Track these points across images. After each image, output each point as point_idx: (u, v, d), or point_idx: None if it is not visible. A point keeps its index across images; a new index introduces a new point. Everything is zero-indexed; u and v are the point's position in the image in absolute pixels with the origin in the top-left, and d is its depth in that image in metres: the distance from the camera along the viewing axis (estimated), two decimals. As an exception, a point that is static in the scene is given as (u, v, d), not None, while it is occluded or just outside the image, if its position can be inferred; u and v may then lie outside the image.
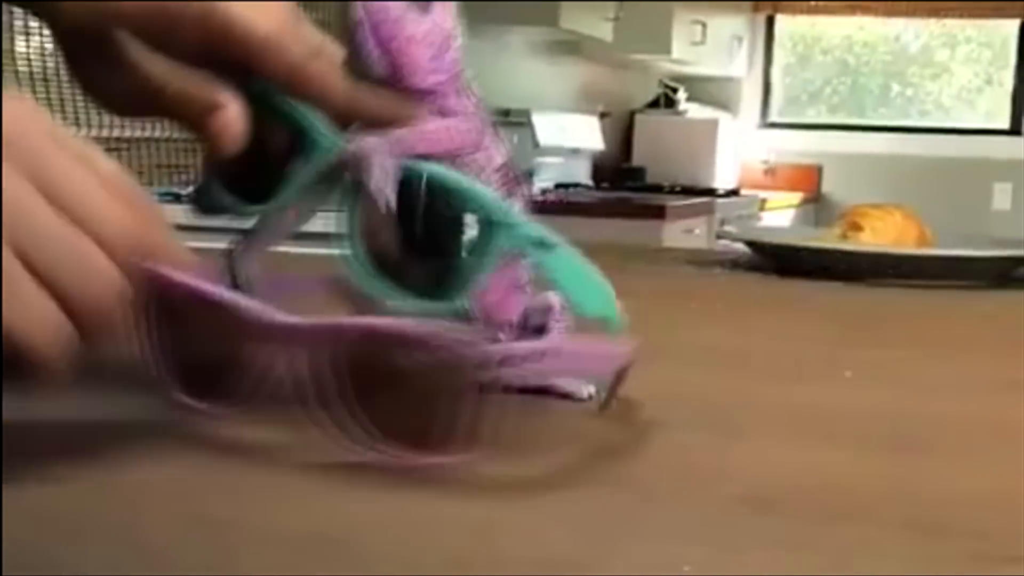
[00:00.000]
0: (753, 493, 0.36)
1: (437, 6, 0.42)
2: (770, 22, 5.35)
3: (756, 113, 5.37)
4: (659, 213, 3.28)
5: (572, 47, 3.88)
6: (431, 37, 0.42)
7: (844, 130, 5.22)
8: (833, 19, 5.29)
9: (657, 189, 4.10)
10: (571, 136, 3.92)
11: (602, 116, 4.29)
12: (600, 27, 3.58)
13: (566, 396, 0.45)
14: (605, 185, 4.12)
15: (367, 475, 0.35)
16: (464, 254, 0.41)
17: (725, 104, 5.16)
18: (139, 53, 0.45)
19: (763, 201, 4.36)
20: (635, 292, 0.46)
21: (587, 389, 0.44)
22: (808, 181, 5.09)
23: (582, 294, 0.42)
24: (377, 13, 0.41)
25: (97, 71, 0.47)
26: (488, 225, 0.40)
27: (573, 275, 0.42)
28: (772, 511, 0.34)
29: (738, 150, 4.96)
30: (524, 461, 0.39)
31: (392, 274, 0.41)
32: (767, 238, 1.06)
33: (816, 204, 5.02)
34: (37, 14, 0.48)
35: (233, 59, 0.43)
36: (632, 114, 4.72)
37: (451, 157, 0.42)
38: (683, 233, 3.40)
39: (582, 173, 4.11)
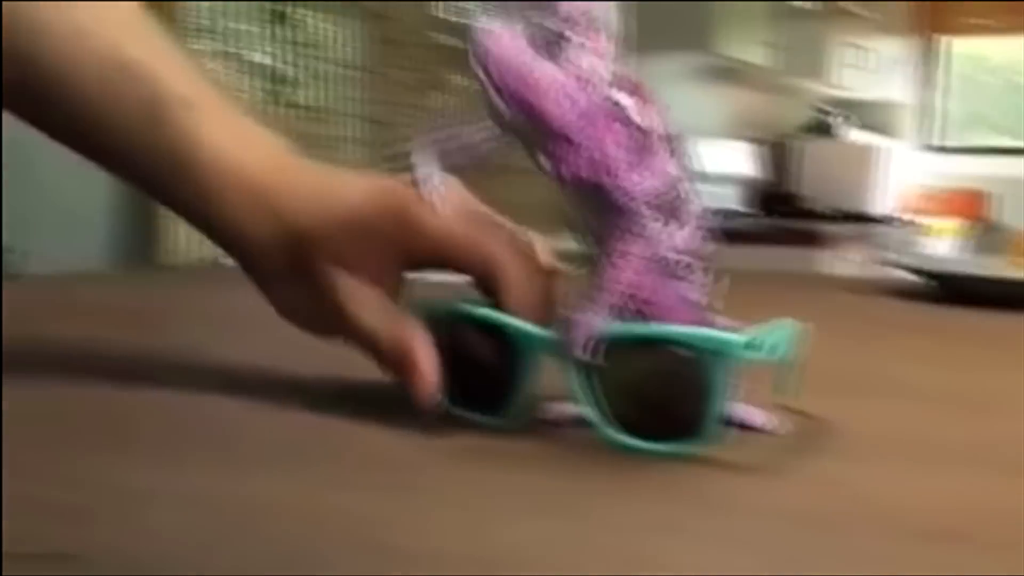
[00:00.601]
0: (938, 527, 0.35)
1: (571, 46, 0.41)
2: (932, 44, 5.20)
3: (917, 137, 5.23)
4: (816, 240, 3.22)
5: (728, 73, 3.85)
6: (560, 83, 0.40)
7: (1011, 154, 5.03)
8: (999, 40, 5.11)
9: (813, 215, 4.02)
10: (725, 162, 3.88)
11: (757, 142, 4.23)
12: (755, 52, 3.54)
13: (751, 428, 0.44)
14: (760, 212, 4.06)
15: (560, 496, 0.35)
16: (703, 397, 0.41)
17: (884, 128, 5.03)
18: (337, 280, 0.46)
19: (925, 227, 4.23)
20: (804, 322, 0.45)
21: (773, 423, 0.44)
22: (972, 206, 4.92)
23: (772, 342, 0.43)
24: (500, 73, 0.40)
25: (290, 291, 0.48)
26: (705, 360, 0.40)
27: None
28: (959, 544, 0.33)
29: (898, 175, 4.83)
30: (704, 489, 0.38)
31: (638, 429, 0.42)
32: (935, 266, 1.02)
33: (981, 230, 4.84)
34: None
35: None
36: (787, 139, 4.64)
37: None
38: (841, 260, 3.33)
39: (736, 199, 4.06)
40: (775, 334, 0.43)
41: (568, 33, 0.40)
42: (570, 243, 0.45)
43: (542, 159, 0.42)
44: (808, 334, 0.45)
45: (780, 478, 0.40)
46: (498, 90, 0.40)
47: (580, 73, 0.40)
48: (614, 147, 0.41)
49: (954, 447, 0.46)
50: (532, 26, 0.40)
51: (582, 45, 0.40)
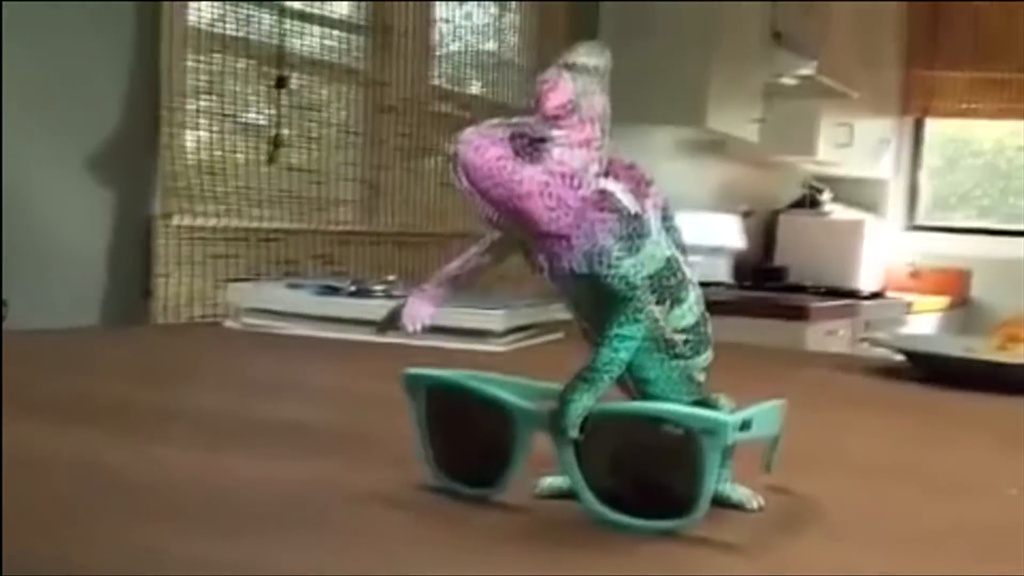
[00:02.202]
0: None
1: (555, 144, 0.41)
2: (919, 125, 5.27)
3: (902, 215, 5.28)
4: (802, 314, 3.24)
5: (717, 146, 3.89)
6: (545, 183, 0.40)
7: (994, 235, 5.08)
8: (984, 122, 5.18)
9: (800, 289, 4.04)
10: (713, 234, 3.91)
11: (745, 215, 4.27)
12: (746, 128, 3.58)
13: (735, 506, 0.45)
14: (747, 284, 4.08)
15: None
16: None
17: (871, 205, 5.08)
18: None
19: (909, 304, 4.26)
20: (788, 398, 0.46)
21: (757, 500, 0.44)
22: (955, 285, 4.95)
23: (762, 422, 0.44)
24: (482, 183, 0.40)
25: None
26: (696, 437, 0.41)
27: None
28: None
29: (883, 252, 4.87)
30: (688, 566, 0.39)
31: (629, 507, 0.42)
32: (922, 347, 1.03)
33: (964, 309, 4.87)
34: None
35: None
36: (775, 214, 4.68)
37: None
38: (826, 335, 3.35)
39: (724, 272, 4.08)
40: (765, 413, 0.44)
41: (552, 132, 0.40)
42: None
43: (539, 258, 0.42)
44: (788, 412, 0.46)
45: (761, 557, 0.41)
46: (484, 197, 0.40)
47: (565, 171, 0.40)
48: (608, 237, 0.42)
49: (923, 527, 0.46)
50: (515, 128, 0.40)
51: (567, 141, 0.40)
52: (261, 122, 2.26)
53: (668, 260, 0.44)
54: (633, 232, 0.43)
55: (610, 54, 0.43)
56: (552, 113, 0.40)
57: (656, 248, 0.43)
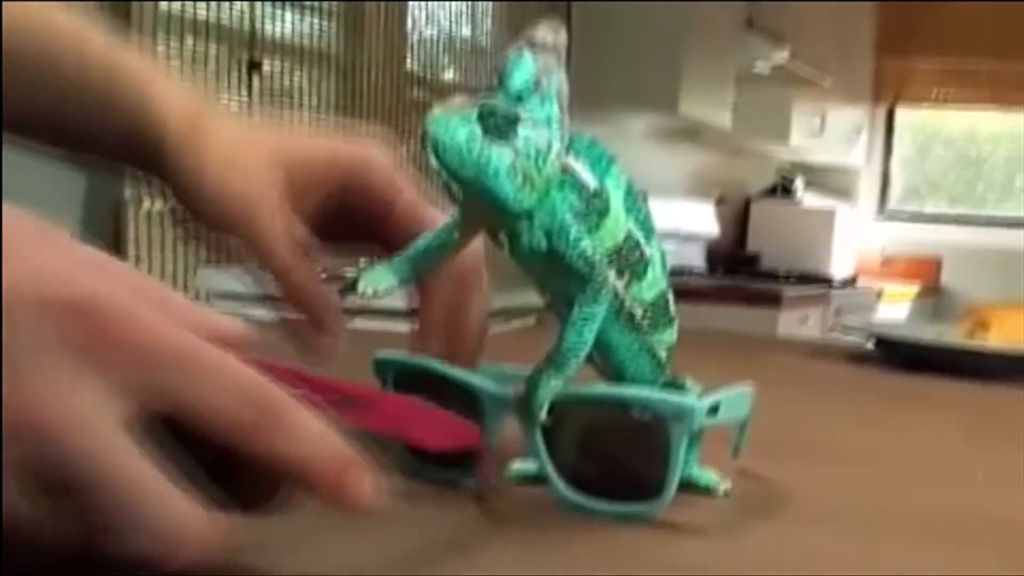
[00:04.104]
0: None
1: (522, 127, 0.40)
2: (890, 113, 5.30)
3: (874, 203, 5.30)
4: (775, 301, 3.25)
5: (690, 134, 3.90)
6: (515, 165, 0.40)
7: (965, 223, 5.11)
8: (955, 111, 5.22)
9: (772, 276, 4.06)
10: (687, 221, 3.92)
11: (718, 202, 4.28)
12: (719, 115, 3.59)
13: (703, 491, 0.45)
14: (720, 271, 4.10)
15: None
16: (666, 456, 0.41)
17: (843, 193, 5.11)
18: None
19: (880, 292, 4.28)
20: (759, 384, 0.46)
21: (724, 485, 0.44)
22: (926, 273, 4.99)
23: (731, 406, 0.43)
24: (452, 162, 0.40)
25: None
26: (665, 422, 0.41)
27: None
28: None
29: (855, 240, 4.90)
30: (650, 551, 0.39)
31: (596, 490, 0.42)
32: (893, 333, 1.04)
33: (935, 296, 4.91)
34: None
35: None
36: (748, 201, 4.70)
37: None
38: (798, 322, 3.36)
39: (697, 258, 4.09)
40: (733, 397, 0.44)
41: (518, 111, 0.40)
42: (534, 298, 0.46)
43: (500, 237, 0.42)
44: (757, 397, 0.46)
45: (727, 541, 0.41)
46: (452, 176, 0.40)
47: (530, 149, 0.40)
48: (568, 215, 0.42)
49: (889, 512, 0.46)
50: (483, 107, 0.40)
51: (532, 118, 0.41)
52: (233, 107, 2.24)
53: (628, 235, 0.44)
54: (593, 209, 0.43)
55: (580, 38, 0.43)
56: (517, 90, 0.40)
57: (616, 225, 0.43)
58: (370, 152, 0.52)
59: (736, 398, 0.44)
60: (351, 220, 0.52)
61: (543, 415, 0.42)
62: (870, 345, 1.02)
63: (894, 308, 4.37)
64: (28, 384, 0.27)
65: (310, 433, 0.30)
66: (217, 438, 0.30)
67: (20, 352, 0.28)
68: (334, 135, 0.53)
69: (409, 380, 0.46)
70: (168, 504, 0.29)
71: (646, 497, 0.41)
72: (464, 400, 0.44)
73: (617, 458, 0.42)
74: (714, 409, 0.42)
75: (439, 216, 0.50)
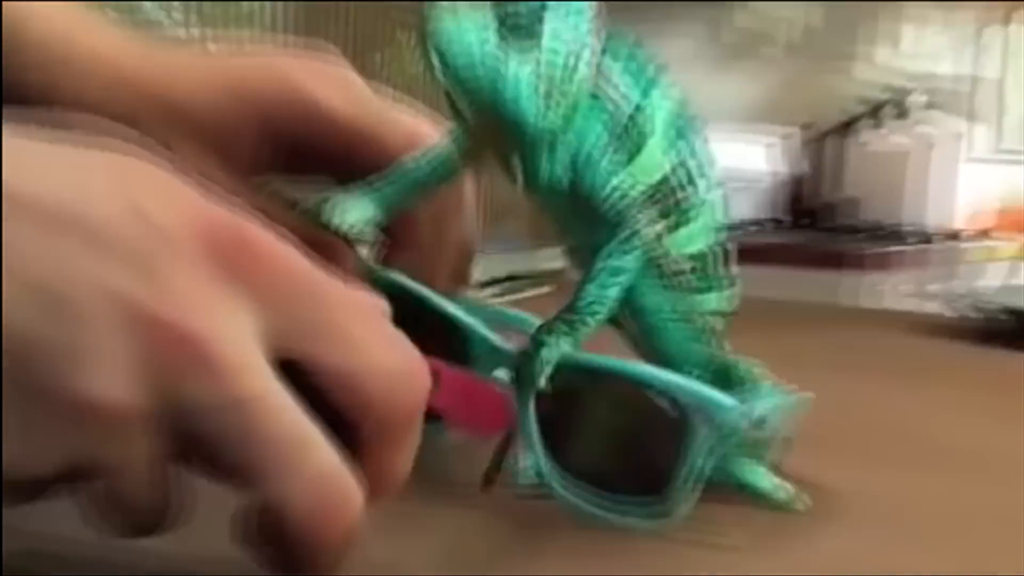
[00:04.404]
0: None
1: (548, 25, 0.40)
2: (1007, 27, 5.27)
3: (987, 142, 5.28)
4: (856, 262, 3.25)
5: (747, 52, 3.88)
6: (540, 76, 0.40)
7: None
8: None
9: (852, 230, 4.05)
10: (744, 162, 3.91)
11: (784, 138, 4.27)
12: (786, 27, 3.57)
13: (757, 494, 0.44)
14: (786, 224, 4.09)
15: None
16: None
17: (943, 129, 5.08)
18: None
19: (990, 249, 4.27)
20: (833, 369, 0.45)
21: (802, 500, 0.44)
22: (1049, 226, 4.98)
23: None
24: (465, 72, 0.40)
25: None
26: (688, 414, 0.40)
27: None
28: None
29: (960, 186, 4.88)
30: (694, 541, 0.38)
31: (600, 482, 0.41)
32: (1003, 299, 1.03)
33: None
34: None
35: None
36: (824, 136, 4.68)
37: None
38: (888, 288, 3.35)
39: (758, 209, 4.09)
40: (769, 402, 0.43)
41: (543, 13, 0.39)
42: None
43: (515, 165, 0.41)
44: (834, 384, 0.45)
45: (777, 553, 0.40)
46: (460, 85, 0.39)
47: (559, 54, 0.40)
48: (600, 141, 0.41)
49: (997, 525, 0.46)
50: (502, 10, 0.39)
51: (561, 27, 0.40)
52: (188, 34, 2.24)
53: (674, 170, 0.43)
54: (630, 134, 0.42)
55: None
56: None
57: (658, 157, 0.42)
58: (288, 72, 0.51)
59: (772, 402, 0.44)
60: (307, 151, 0.51)
61: (543, 379, 0.41)
62: (972, 315, 1.02)
63: (1005, 270, 4.36)
64: (181, 292, 0.29)
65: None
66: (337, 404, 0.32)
67: (173, 259, 0.29)
68: (240, 58, 0.53)
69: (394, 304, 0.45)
70: (330, 455, 0.31)
71: (654, 495, 0.41)
72: (452, 342, 0.43)
73: (626, 445, 0.42)
74: (746, 413, 0.41)
75: (422, 136, 0.49)
